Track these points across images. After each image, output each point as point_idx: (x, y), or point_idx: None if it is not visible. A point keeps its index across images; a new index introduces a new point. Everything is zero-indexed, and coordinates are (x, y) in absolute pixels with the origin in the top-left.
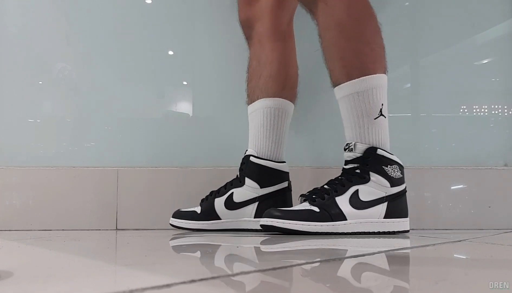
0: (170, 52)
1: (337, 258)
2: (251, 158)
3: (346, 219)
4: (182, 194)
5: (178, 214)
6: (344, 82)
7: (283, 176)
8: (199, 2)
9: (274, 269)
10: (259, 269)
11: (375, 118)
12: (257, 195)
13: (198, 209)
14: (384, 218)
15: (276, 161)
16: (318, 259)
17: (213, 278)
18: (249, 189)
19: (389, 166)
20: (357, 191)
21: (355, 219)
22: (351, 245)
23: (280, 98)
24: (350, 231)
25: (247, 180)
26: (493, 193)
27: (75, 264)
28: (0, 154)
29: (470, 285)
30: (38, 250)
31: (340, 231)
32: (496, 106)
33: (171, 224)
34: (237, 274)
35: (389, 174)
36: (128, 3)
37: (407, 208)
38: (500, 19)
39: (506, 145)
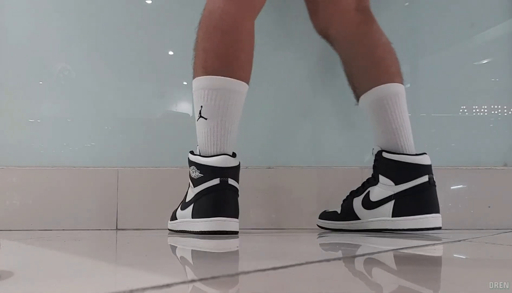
0: (170, 52)
1: (337, 258)
2: (383, 154)
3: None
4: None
5: (324, 215)
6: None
7: (421, 169)
8: (199, 2)
9: (274, 268)
10: (259, 269)
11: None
12: (392, 193)
13: (339, 210)
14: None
15: (409, 154)
16: (318, 259)
17: (213, 278)
18: (384, 187)
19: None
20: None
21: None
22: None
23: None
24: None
25: (380, 177)
26: (493, 193)
27: (75, 264)
28: (0, 154)
29: (470, 285)
30: (38, 250)
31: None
32: (496, 106)
33: (319, 226)
34: (237, 274)
35: (192, 176)
36: (128, 3)
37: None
38: (500, 19)
39: (506, 145)
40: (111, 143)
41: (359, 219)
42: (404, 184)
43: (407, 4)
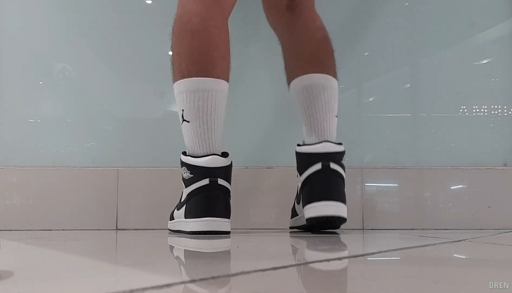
0: (170, 52)
1: (337, 258)
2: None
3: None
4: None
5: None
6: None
7: (313, 158)
8: None
9: (274, 268)
10: (259, 269)
11: None
12: (300, 184)
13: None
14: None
15: (308, 144)
16: (318, 259)
17: (213, 278)
18: (297, 179)
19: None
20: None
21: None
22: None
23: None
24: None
25: None
26: (493, 193)
27: (75, 264)
28: (0, 154)
29: (470, 285)
30: (38, 250)
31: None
32: (496, 106)
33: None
34: (237, 274)
35: (184, 176)
36: (128, 3)
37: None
38: (500, 19)
39: (506, 145)
40: (111, 143)
41: (298, 215)
42: (303, 174)
43: (407, 4)
